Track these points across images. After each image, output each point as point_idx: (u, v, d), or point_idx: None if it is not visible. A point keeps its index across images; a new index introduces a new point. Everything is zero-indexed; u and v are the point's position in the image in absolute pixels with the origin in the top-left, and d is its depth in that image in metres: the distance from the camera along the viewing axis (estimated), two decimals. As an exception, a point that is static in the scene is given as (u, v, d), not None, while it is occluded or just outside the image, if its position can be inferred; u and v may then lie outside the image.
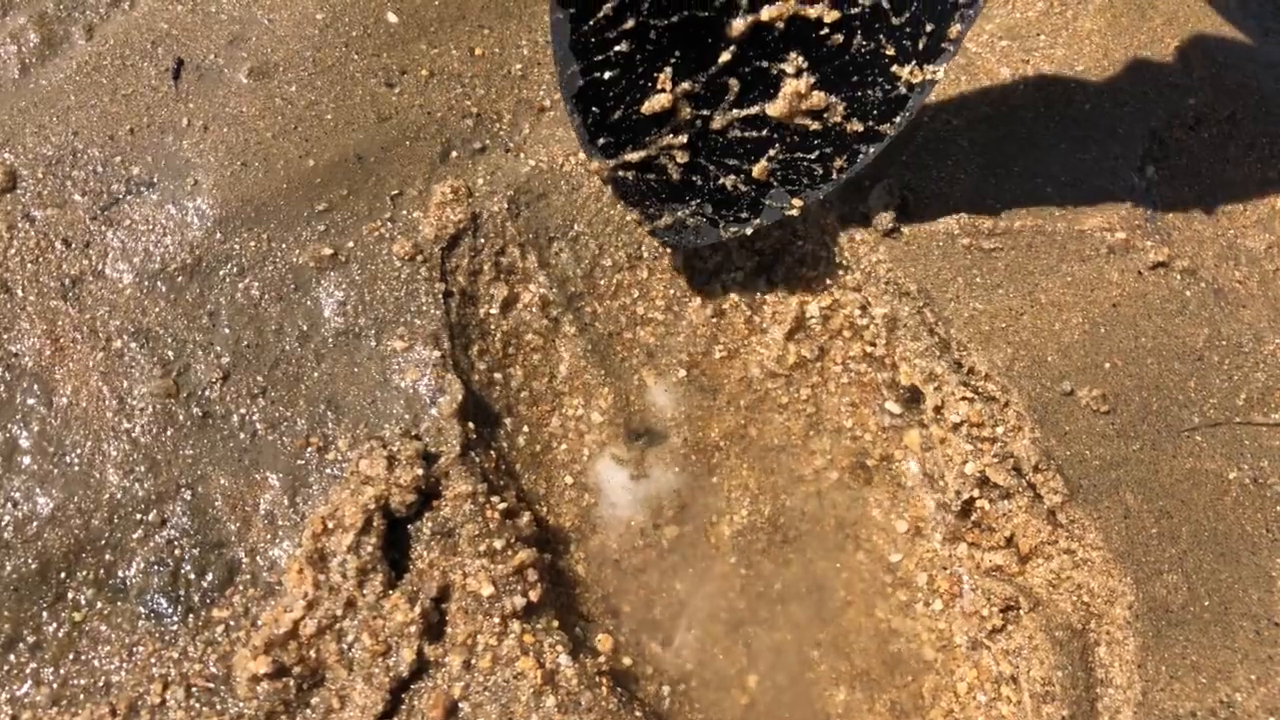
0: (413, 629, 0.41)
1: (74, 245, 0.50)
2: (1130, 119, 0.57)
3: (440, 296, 0.49)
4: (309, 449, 0.46)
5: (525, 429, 0.49)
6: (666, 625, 0.47)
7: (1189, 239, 0.54)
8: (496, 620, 0.42)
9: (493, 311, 0.50)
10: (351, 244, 0.51)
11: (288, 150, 0.52)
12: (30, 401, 0.46)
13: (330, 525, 0.43)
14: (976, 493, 0.47)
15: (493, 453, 0.47)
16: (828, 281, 0.53)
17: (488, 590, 0.42)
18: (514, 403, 0.50)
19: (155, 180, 0.51)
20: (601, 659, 0.43)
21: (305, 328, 0.49)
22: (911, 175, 0.54)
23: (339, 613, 0.42)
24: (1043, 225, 0.53)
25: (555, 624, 0.43)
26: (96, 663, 0.42)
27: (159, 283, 0.50)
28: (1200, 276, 0.52)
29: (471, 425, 0.46)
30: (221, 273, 0.50)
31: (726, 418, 0.51)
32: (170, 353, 0.48)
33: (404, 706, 0.41)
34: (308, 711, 0.41)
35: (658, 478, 0.50)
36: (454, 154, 0.53)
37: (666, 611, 0.47)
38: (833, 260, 0.53)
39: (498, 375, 0.50)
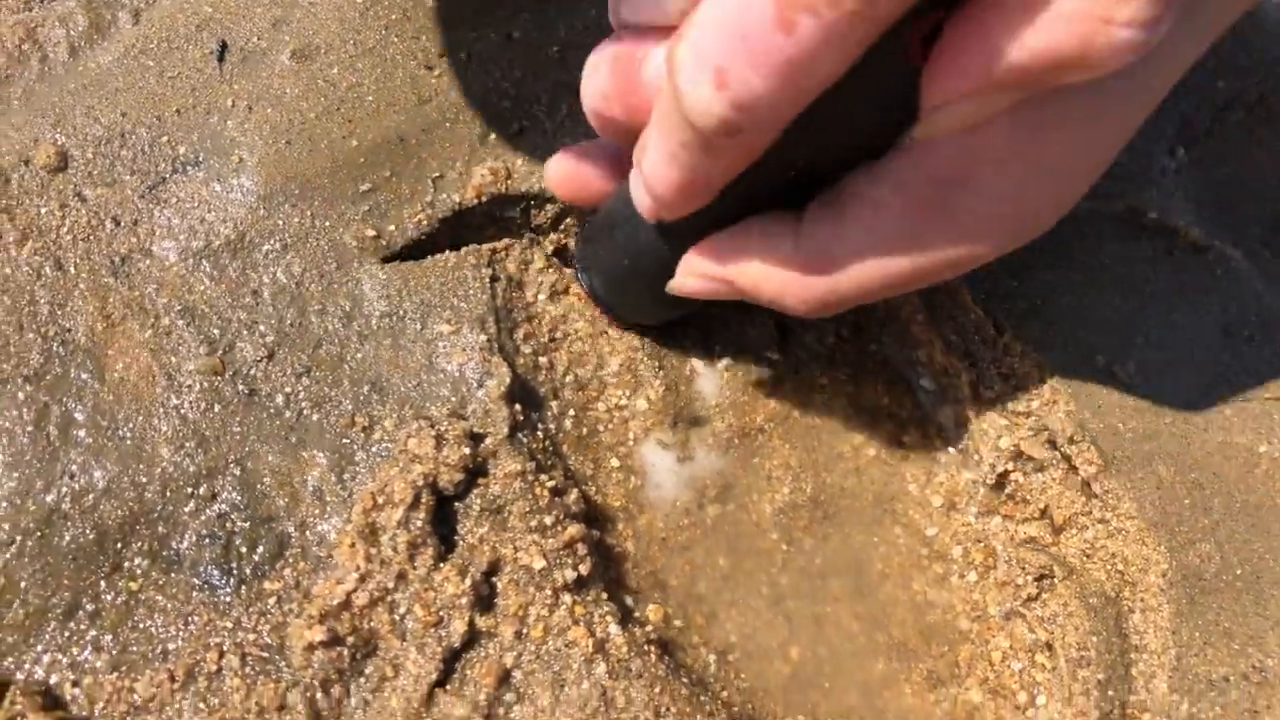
0: (464, 600, 0.42)
1: (123, 223, 0.51)
2: (1163, 101, 0.57)
3: (487, 281, 0.50)
4: (354, 428, 0.47)
5: (571, 412, 0.50)
6: (711, 599, 0.48)
7: (1219, 220, 0.55)
8: (548, 592, 0.43)
9: (541, 296, 0.51)
10: (393, 228, 0.52)
11: (331, 130, 0.52)
12: (84, 376, 0.47)
13: (380, 500, 0.44)
14: (1011, 466, 0.48)
15: (539, 434, 0.48)
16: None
17: (539, 564, 0.43)
18: (560, 387, 0.50)
19: (201, 159, 0.52)
20: (650, 629, 0.44)
21: (348, 308, 0.50)
22: (945, 156, 0.55)
23: (391, 585, 0.43)
24: (1077, 207, 0.53)
25: (604, 596, 0.44)
26: (153, 631, 0.43)
27: (204, 260, 0.50)
28: (1229, 256, 0.53)
29: (519, 407, 0.47)
30: (265, 248, 0.50)
31: (770, 401, 0.51)
32: (216, 330, 0.49)
33: (457, 675, 0.42)
34: (361, 680, 0.42)
35: (701, 459, 0.50)
36: (493, 135, 0.54)
37: (711, 586, 0.48)
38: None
39: (543, 360, 0.50)
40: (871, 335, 0.53)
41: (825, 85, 0.29)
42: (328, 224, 0.50)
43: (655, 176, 0.34)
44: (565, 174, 0.46)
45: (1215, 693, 0.43)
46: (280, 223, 0.50)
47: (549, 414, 0.49)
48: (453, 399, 0.47)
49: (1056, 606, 0.45)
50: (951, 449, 0.51)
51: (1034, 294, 0.50)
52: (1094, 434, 0.46)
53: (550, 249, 0.54)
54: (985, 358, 0.49)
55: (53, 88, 0.53)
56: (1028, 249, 0.52)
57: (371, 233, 0.50)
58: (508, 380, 0.47)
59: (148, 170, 0.51)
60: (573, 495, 0.46)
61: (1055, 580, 0.45)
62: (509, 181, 0.52)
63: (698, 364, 0.52)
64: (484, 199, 0.51)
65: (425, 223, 0.51)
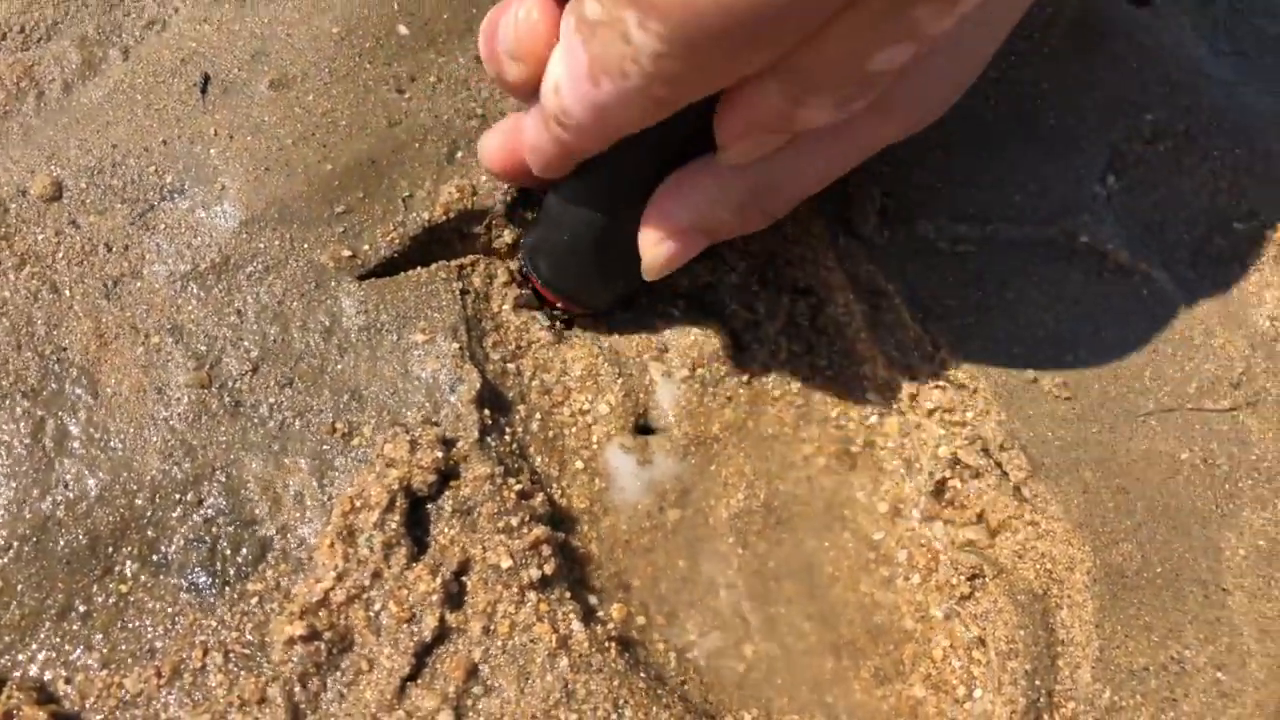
0: (435, 598, 0.45)
1: (115, 249, 0.54)
2: (1092, 134, 0.61)
3: (457, 293, 0.53)
4: (335, 435, 0.50)
5: (538, 416, 0.53)
6: (672, 599, 0.51)
7: (1146, 244, 0.59)
8: (515, 590, 0.46)
9: (505, 307, 0.55)
10: (367, 247, 0.55)
11: (307, 156, 0.55)
12: (78, 391, 0.50)
13: (358, 504, 0.47)
14: (949, 473, 0.52)
15: (507, 437, 0.51)
16: (814, 282, 0.57)
17: (506, 563, 0.46)
18: (526, 391, 0.54)
19: (186, 187, 0.55)
20: (611, 626, 0.47)
21: (328, 324, 0.53)
22: (893, 184, 0.58)
23: (366, 583, 0.45)
24: (1012, 230, 0.57)
25: (568, 595, 0.47)
26: (142, 630, 0.46)
27: (191, 282, 0.53)
28: (1156, 277, 0.57)
29: (488, 412, 0.50)
30: (248, 270, 0.54)
31: (726, 411, 0.55)
32: (203, 347, 0.52)
33: (428, 669, 0.45)
34: (337, 674, 0.44)
35: (661, 464, 0.53)
36: (459, 154, 0.57)
37: (672, 587, 0.51)
38: (819, 262, 0.57)
39: (511, 366, 0.54)
40: (820, 352, 0.56)
41: (643, 126, 0.40)
42: (306, 246, 0.54)
43: (532, 143, 0.46)
44: (496, 148, 0.52)
45: (1135, 682, 0.46)
46: (262, 246, 0.54)
47: (516, 417, 0.52)
48: (427, 404, 0.50)
49: (988, 604, 0.48)
50: (896, 458, 0.54)
51: (970, 313, 0.54)
52: (1024, 442, 0.49)
53: (514, 267, 0.57)
54: (924, 372, 0.53)
55: (48, 122, 0.57)
56: (964, 270, 0.56)
57: (348, 252, 0.53)
58: (478, 385, 0.50)
59: (137, 198, 0.54)
60: (539, 498, 0.49)
61: (986, 579, 0.48)
62: (474, 198, 0.55)
63: (655, 374, 0.55)
64: (451, 215, 0.55)
65: (397, 240, 0.54)
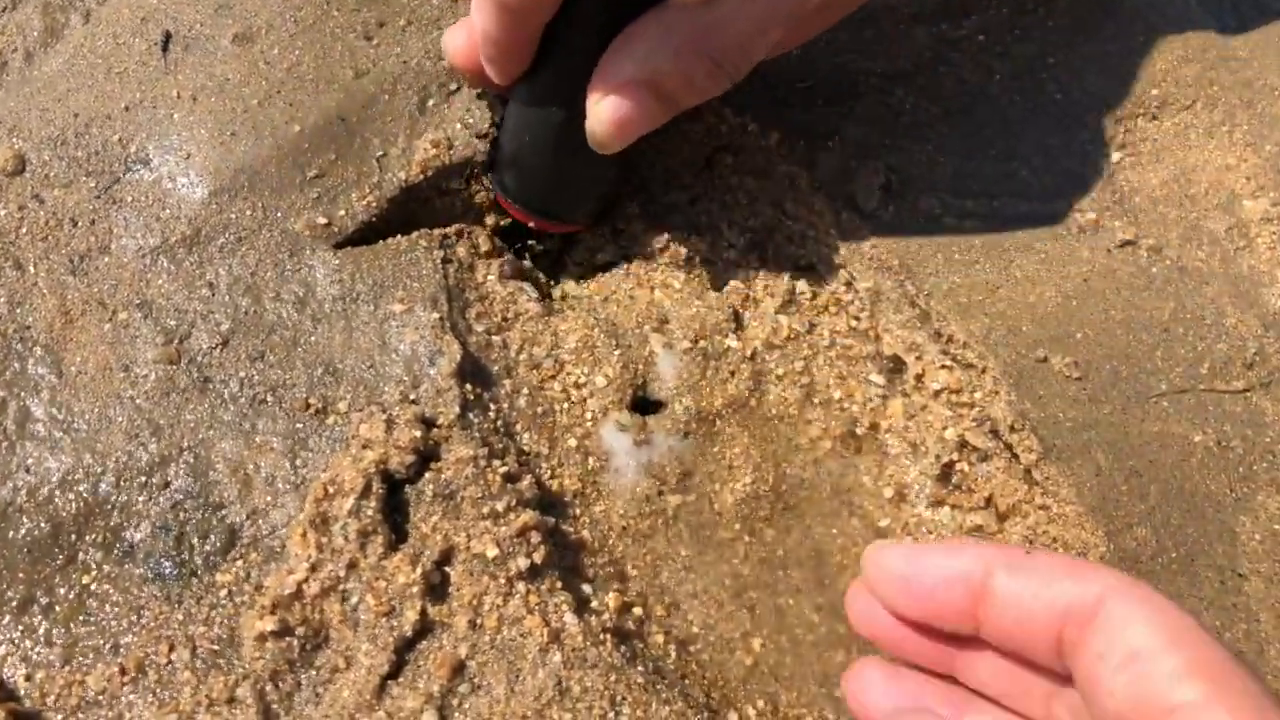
0: (415, 589, 0.42)
1: (80, 223, 0.51)
2: (1098, 107, 0.60)
3: (439, 262, 0.50)
4: (308, 411, 0.47)
5: (525, 391, 0.50)
6: (673, 589, 0.48)
7: (1154, 220, 0.57)
8: (502, 581, 0.43)
9: (491, 277, 0.52)
10: (343, 213, 0.52)
11: (274, 117, 0.52)
12: (42, 371, 0.47)
13: (331, 490, 0.44)
14: (956, 456, 0.49)
15: (491, 414, 0.48)
16: (815, 258, 0.55)
17: (492, 551, 0.44)
18: (513, 365, 0.51)
19: (151, 156, 0.52)
20: (606, 618, 0.45)
21: (302, 294, 0.50)
22: (895, 158, 0.56)
23: (342, 574, 0.43)
24: (1018, 205, 0.55)
25: (559, 585, 0.44)
26: (105, 624, 0.43)
27: (160, 256, 0.51)
28: (1165, 255, 0.55)
29: (470, 386, 0.48)
30: (219, 242, 0.51)
31: (729, 388, 0.52)
32: (172, 321, 0.49)
33: (409, 666, 0.42)
34: (312, 672, 0.42)
35: (660, 444, 0.51)
36: (431, 101, 0.54)
37: (673, 576, 0.48)
38: (820, 238, 0.55)
39: (496, 339, 0.51)
40: (822, 330, 0.54)
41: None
42: (279, 214, 0.51)
43: (482, 28, 0.45)
44: (459, 44, 0.50)
45: (1152, 672, 0.44)
46: (233, 217, 0.51)
47: (502, 392, 0.50)
48: (405, 378, 0.48)
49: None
50: (901, 441, 0.52)
51: (977, 290, 0.51)
52: (1034, 423, 0.48)
53: (493, 223, 0.54)
54: (930, 351, 0.50)
55: (10, 93, 0.54)
56: (969, 246, 0.54)
57: (323, 220, 0.51)
58: (459, 357, 0.47)
59: (102, 170, 0.51)
60: (526, 481, 0.46)
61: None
62: (450, 152, 0.52)
63: (656, 345, 0.52)
64: (429, 173, 0.52)
65: (374, 204, 0.51)
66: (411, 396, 0.47)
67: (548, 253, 0.58)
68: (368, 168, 0.52)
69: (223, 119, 0.52)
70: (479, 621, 0.43)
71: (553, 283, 0.57)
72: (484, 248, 0.53)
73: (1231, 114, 0.61)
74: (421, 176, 0.52)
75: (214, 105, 0.52)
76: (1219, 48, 0.63)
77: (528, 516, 0.44)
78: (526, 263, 0.56)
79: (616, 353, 0.51)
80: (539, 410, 0.50)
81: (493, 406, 0.49)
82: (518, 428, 0.49)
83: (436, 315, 0.49)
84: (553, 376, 0.51)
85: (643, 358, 0.52)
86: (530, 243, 0.56)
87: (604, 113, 0.44)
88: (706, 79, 0.45)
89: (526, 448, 0.49)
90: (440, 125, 0.53)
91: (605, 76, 0.44)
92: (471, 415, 0.47)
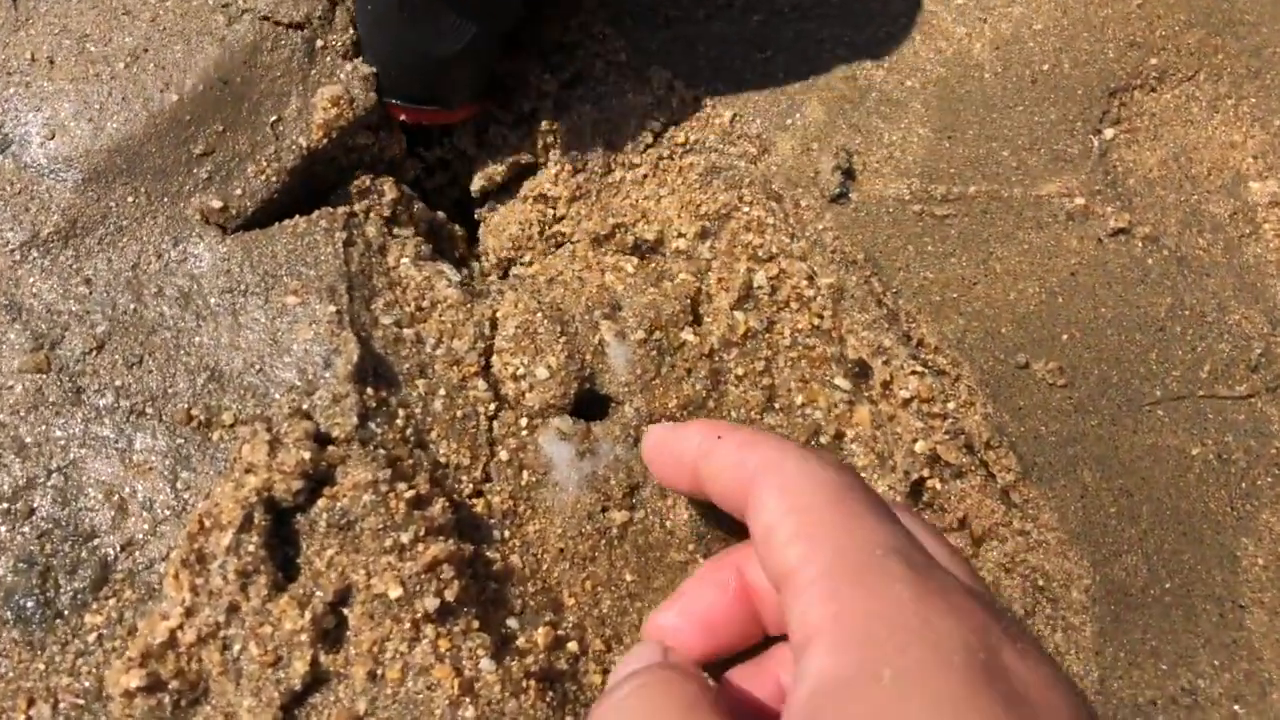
0: (304, 636, 0.37)
1: (-66, 214, 0.45)
2: (1090, 79, 0.54)
3: (340, 245, 0.45)
4: (190, 425, 0.42)
5: (443, 393, 0.45)
6: (615, 620, 0.43)
7: (1150, 205, 0.51)
8: (407, 624, 0.38)
9: (405, 260, 0.46)
10: (240, 191, 0.46)
11: (144, 83, 0.46)
12: (-120, 384, 0.41)
13: (207, 524, 0.38)
14: (927, 472, 0.44)
15: (398, 422, 0.43)
16: (774, 250, 0.49)
17: (395, 591, 0.38)
18: (429, 362, 0.45)
19: (10, 135, 0.46)
20: (532, 659, 0.40)
21: (186, 288, 0.45)
22: (861, 138, 0.50)
23: (221, 619, 0.37)
24: (998, 190, 0.50)
25: (476, 626, 0.39)
26: (-46, 675, 0.38)
27: (32, 250, 0.45)
28: (1162, 244, 0.50)
29: (371, 391, 0.42)
30: (99, 233, 0.45)
31: (684, 387, 0.47)
32: (43, 324, 0.43)
33: (301, 723, 0.37)
34: (192, 729, 0.37)
35: (606, 453, 0.45)
36: (318, 44, 0.49)
37: (615, 606, 0.43)
38: (778, 227, 0.49)
39: (408, 332, 0.45)
40: (782, 329, 0.49)
41: None
42: (165, 200, 0.45)
43: None
44: None
45: (1141, 718, 0.39)
46: (113, 205, 0.45)
47: (413, 395, 0.44)
48: (298, 383, 0.42)
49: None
50: (868, 453, 0.47)
51: (951, 287, 0.46)
52: (1013, 438, 0.42)
53: (406, 179, 0.49)
54: (899, 355, 0.45)
55: None
56: (944, 237, 0.48)
57: (217, 203, 0.45)
58: (356, 357, 0.42)
59: (-43, 150, 0.45)
60: (438, 505, 0.41)
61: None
62: (353, 107, 0.46)
63: (607, 334, 0.47)
64: (333, 134, 0.46)
65: (274, 178, 0.45)
66: (304, 406, 0.41)
67: (456, 180, 0.52)
68: (261, 137, 0.46)
69: (87, 91, 0.46)
70: (380, 672, 0.37)
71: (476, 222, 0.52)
72: (389, 196, 0.47)
73: (1238, 85, 0.55)
74: (325, 140, 0.46)
75: (74, 71, 0.46)
76: (1225, 12, 0.57)
77: (437, 549, 0.39)
78: (440, 214, 0.51)
79: (561, 341, 0.46)
80: (458, 414, 0.44)
81: (401, 413, 0.43)
82: (432, 436, 0.44)
83: (334, 308, 0.43)
84: (477, 373, 0.45)
85: (591, 346, 0.46)
86: (432, 151, 0.51)
87: None
88: None
89: (443, 459, 0.43)
90: (334, 74, 0.47)
91: None
92: (374, 425, 0.41)
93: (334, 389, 0.41)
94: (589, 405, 0.47)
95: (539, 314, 0.46)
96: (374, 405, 0.42)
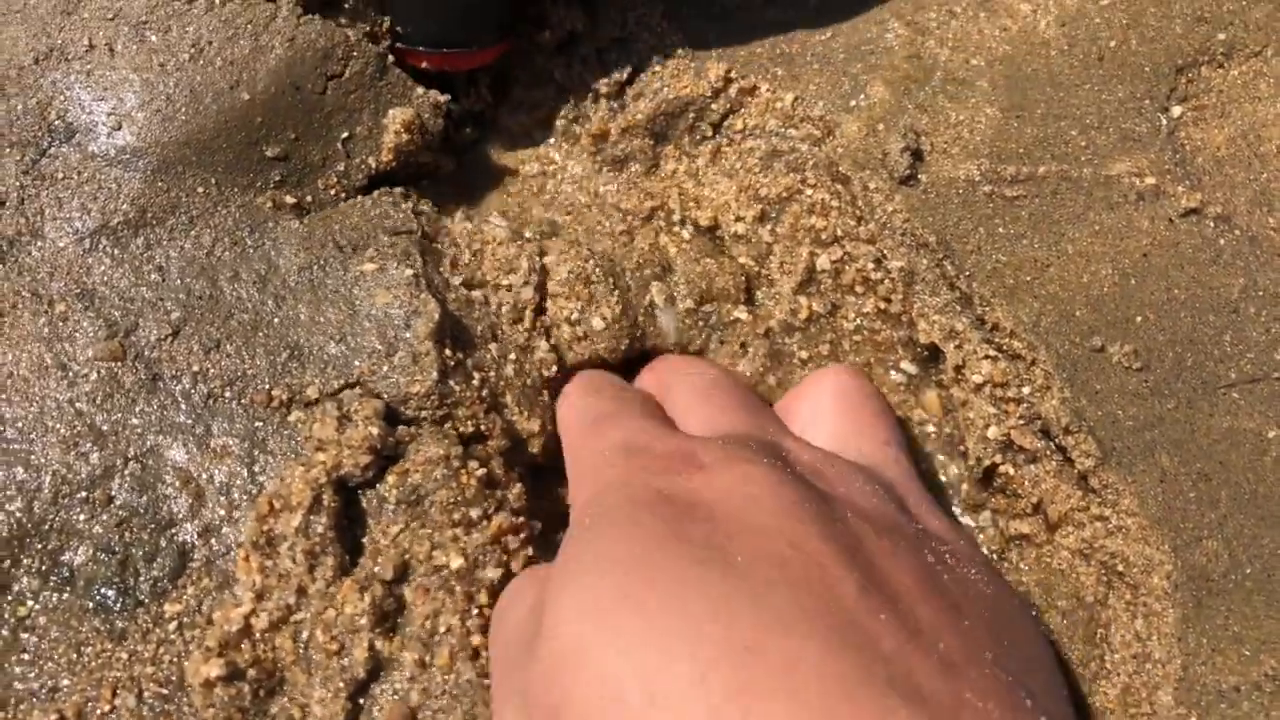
0: (364, 620, 0.37)
1: (8, 204, 0.45)
2: (1157, 56, 0.53)
3: (410, 212, 0.45)
4: (272, 405, 0.42)
5: (513, 356, 0.44)
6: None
7: (1220, 184, 0.50)
8: (459, 598, 0.38)
9: (459, 215, 0.46)
10: (310, 197, 0.46)
11: (213, 79, 0.46)
12: (-40, 375, 0.42)
13: (277, 505, 0.39)
14: (1000, 458, 0.44)
15: (475, 382, 0.42)
16: (839, 233, 0.49)
17: (457, 562, 0.38)
18: (497, 324, 0.45)
19: (76, 124, 0.46)
20: None
21: (264, 271, 0.45)
22: (928, 118, 0.50)
23: (292, 603, 0.37)
24: (1068, 170, 0.49)
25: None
26: (43, 663, 0.38)
27: (102, 239, 0.45)
28: (1234, 224, 0.49)
29: (449, 352, 0.42)
30: (170, 223, 0.45)
31: (740, 365, 0.46)
32: (116, 312, 0.44)
33: (364, 716, 0.37)
34: (268, 722, 0.37)
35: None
36: (390, 57, 0.48)
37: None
38: (843, 210, 0.48)
39: (476, 294, 0.45)
40: (847, 313, 0.48)
41: None
42: (236, 191, 0.45)
43: None
44: None
45: (1225, 704, 0.39)
46: (184, 196, 0.45)
47: (487, 358, 0.44)
48: (380, 347, 0.41)
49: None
50: (935, 437, 0.46)
51: (1024, 270, 0.45)
52: (1091, 423, 0.42)
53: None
54: (971, 339, 0.44)
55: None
56: (1015, 218, 0.48)
57: (290, 200, 0.45)
58: (437, 315, 0.41)
59: (25, 141, 0.45)
60: (515, 489, 0.40)
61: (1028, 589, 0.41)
62: (424, 136, 0.46)
63: (657, 296, 0.46)
64: (400, 159, 0.46)
65: (343, 195, 0.46)
66: (384, 369, 0.41)
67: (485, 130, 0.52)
68: (333, 152, 0.47)
69: (153, 81, 0.45)
70: (429, 658, 0.37)
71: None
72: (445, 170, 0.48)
73: (1309, 61, 0.54)
74: (393, 163, 0.46)
75: (138, 61, 0.46)
76: (1293, -14, 0.56)
77: (501, 519, 0.39)
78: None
79: (616, 294, 0.45)
80: (528, 382, 0.44)
81: (476, 375, 0.42)
82: (506, 400, 0.43)
83: (410, 271, 0.43)
84: (538, 328, 0.44)
85: (643, 306, 0.46)
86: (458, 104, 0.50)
87: None
88: None
89: (517, 426, 0.43)
90: (404, 94, 0.47)
91: None
92: (453, 383, 0.41)
93: (414, 348, 0.41)
94: (637, 365, 0.46)
95: (590, 262, 0.46)
96: (453, 365, 0.41)
